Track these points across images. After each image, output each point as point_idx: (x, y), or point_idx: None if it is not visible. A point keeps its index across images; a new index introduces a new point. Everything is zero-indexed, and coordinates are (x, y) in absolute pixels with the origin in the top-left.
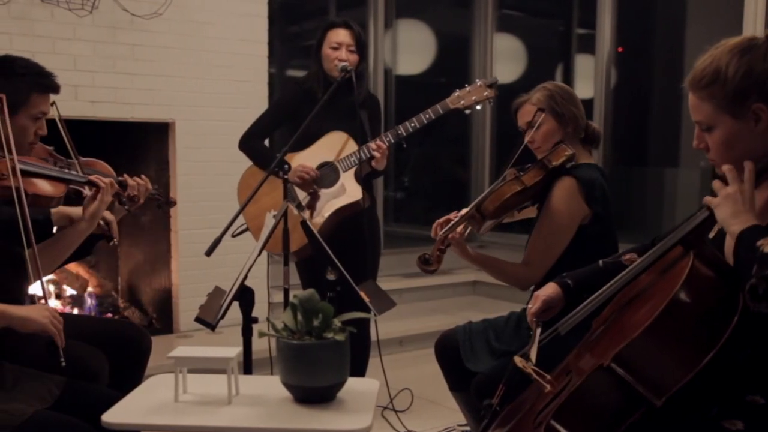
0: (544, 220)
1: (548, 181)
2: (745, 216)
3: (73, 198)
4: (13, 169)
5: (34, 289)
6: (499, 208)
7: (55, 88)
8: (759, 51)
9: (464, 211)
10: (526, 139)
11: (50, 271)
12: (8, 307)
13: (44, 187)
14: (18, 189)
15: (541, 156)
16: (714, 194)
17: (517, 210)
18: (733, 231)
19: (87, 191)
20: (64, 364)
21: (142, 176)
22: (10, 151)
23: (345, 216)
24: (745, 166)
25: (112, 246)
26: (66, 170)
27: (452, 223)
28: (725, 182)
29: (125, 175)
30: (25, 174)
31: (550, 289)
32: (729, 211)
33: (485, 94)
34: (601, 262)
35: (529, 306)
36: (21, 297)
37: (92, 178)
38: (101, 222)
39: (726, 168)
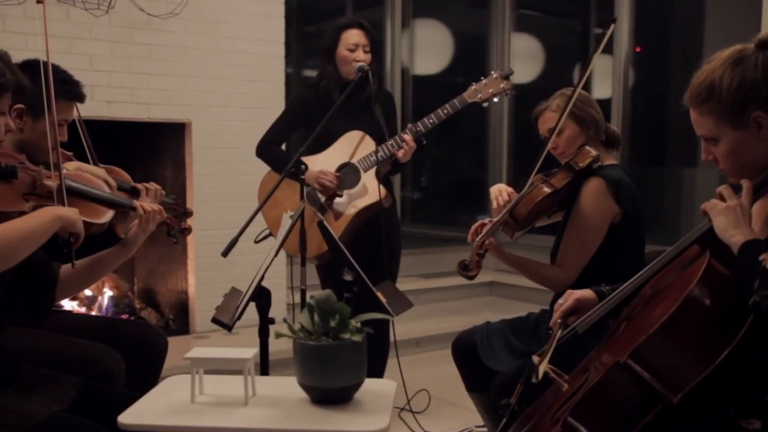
0: (575, 221)
1: (576, 182)
2: (746, 229)
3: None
4: (59, 190)
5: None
6: (532, 213)
7: (81, 97)
8: (750, 60)
9: (497, 217)
10: (549, 145)
11: (79, 291)
12: (62, 208)
13: (91, 211)
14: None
15: (565, 160)
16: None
17: (547, 215)
18: (735, 242)
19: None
20: (74, 264)
21: (153, 184)
22: (57, 168)
23: (368, 216)
24: (743, 184)
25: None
26: (114, 192)
27: (487, 228)
28: (735, 189)
29: (140, 186)
30: (72, 194)
31: (586, 291)
32: (729, 221)
33: (502, 86)
34: None
35: (560, 301)
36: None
37: (137, 204)
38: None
39: (722, 189)
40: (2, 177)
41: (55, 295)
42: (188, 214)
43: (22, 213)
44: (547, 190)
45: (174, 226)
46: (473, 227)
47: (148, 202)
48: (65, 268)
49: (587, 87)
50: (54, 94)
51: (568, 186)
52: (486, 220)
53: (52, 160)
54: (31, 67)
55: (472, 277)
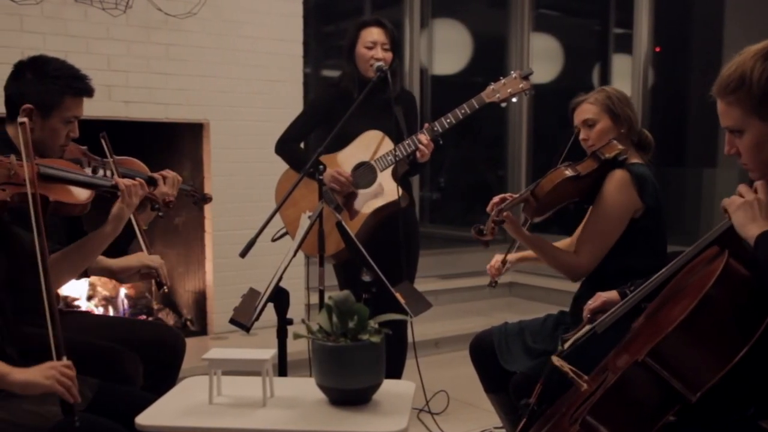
0: (597, 210)
1: (601, 173)
2: (763, 222)
3: (109, 200)
4: (30, 176)
5: (68, 290)
6: (552, 194)
7: (89, 92)
8: None
9: (520, 193)
10: (582, 136)
11: (74, 276)
12: (9, 372)
13: (69, 193)
14: (34, 196)
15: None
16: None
17: (568, 203)
18: (752, 235)
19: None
20: (78, 425)
21: (170, 171)
22: (28, 157)
23: (384, 216)
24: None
25: (163, 293)
26: (94, 173)
27: (508, 201)
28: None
29: (156, 174)
30: (48, 179)
31: (612, 293)
32: (747, 216)
33: (521, 86)
34: None
35: (590, 302)
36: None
37: (116, 180)
38: (148, 269)
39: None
40: None
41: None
42: (207, 199)
43: (2, 202)
44: (569, 173)
45: (157, 200)
46: (494, 199)
47: (166, 189)
48: (53, 256)
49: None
50: (62, 91)
51: (592, 174)
52: (507, 195)
53: (23, 148)
54: (36, 64)
55: (486, 243)
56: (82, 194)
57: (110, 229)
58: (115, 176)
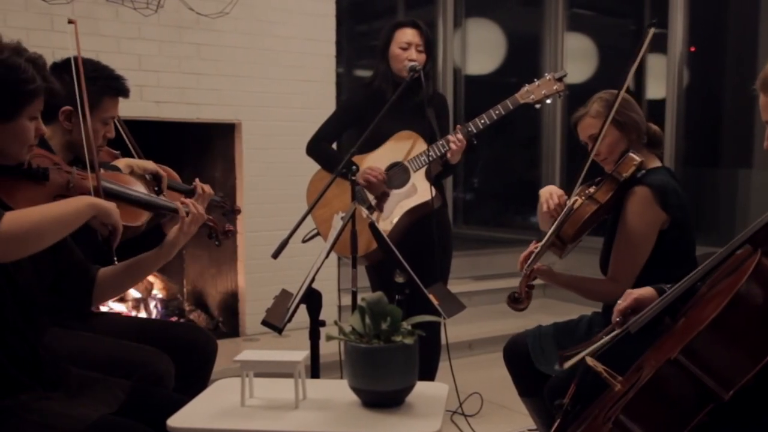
0: (624, 234)
1: (621, 194)
2: None
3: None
4: (96, 190)
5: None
6: (579, 231)
7: (126, 92)
8: None
9: (544, 240)
10: (592, 153)
11: (119, 295)
12: (97, 199)
13: (127, 213)
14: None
15: (609, 168)
16: None
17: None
18: None
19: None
20: (116, 261)
21: (204, 185)
22: (93, 169)
23: (416, 217)
24: None
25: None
26: (153, 194)
27: (535, 253)
28: None
29: (197, 181)
30: (109, 196)
31: (645, 290)
32: None
33: (555, 87)
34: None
35: (619, 302)
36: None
37: (179, 205)
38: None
39: None
40: (33, 178)
41: (92, 298)
42: (236, 211)
43: None
44: (592, 207)
45: (217, 229)
46: (522, 256)
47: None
48: (103, 271)
49: (640, 87)
50: (101, 91)
51: (612, 199)
52: (531, 246)
53: (88, 160)
54: (70, 66)
55: (522, 309)
56: (141, 216)
57: (163, 254)
58: (178, 202)
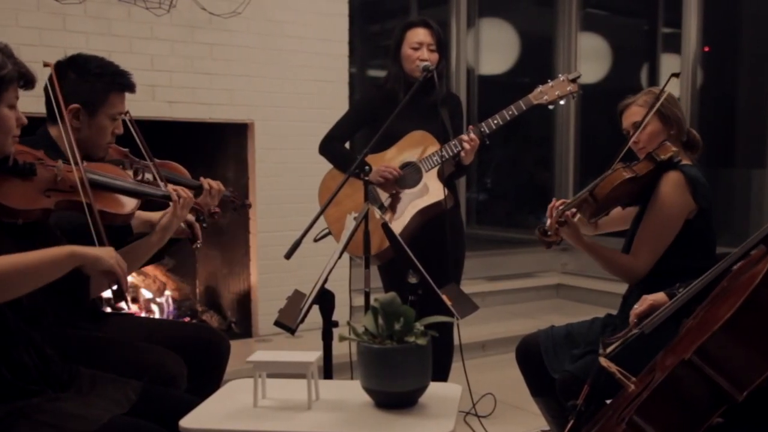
0: (653, 212)
1: (656, 174)
2: None
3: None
4: (82, 181)
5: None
6: (611, 194)
7: (132, 87)
8: None
9: (578, 194)
10: (632, 140)
11: (112, 286)
12: (80, 247)
13: (115, 202)
14: (90, 205)
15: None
16: None
17: (623, 203)
18: None
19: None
20: (127, 308)
21: (213, 181)
22: (76, 161)
23: (428, 217)
24: None
25: (195, 249)
26: (142, 181)
27: (568, 203)
28: None
29: (202, 179)
30: (95, 187)
31: (659, 295)
32: None
33: (568, 88)
34: None
35: (636, 306)
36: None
37: (170, 191)
38: (183, 225)
39: None
40: (21, 174)
41: (89, 291)
42: (247, 206)
43: (45, 209)
44: (627, 174)
45: (203, 211)
46: (553, 202)
47: (209, 200)
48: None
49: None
50: (107, 88)
51: (648, 175)
52: (562, 200)
53: (69, 153)
54: (77, 63)
55: (550, 243)
56: (129, 204)
57: (156, 239)
58: (168, 186)
